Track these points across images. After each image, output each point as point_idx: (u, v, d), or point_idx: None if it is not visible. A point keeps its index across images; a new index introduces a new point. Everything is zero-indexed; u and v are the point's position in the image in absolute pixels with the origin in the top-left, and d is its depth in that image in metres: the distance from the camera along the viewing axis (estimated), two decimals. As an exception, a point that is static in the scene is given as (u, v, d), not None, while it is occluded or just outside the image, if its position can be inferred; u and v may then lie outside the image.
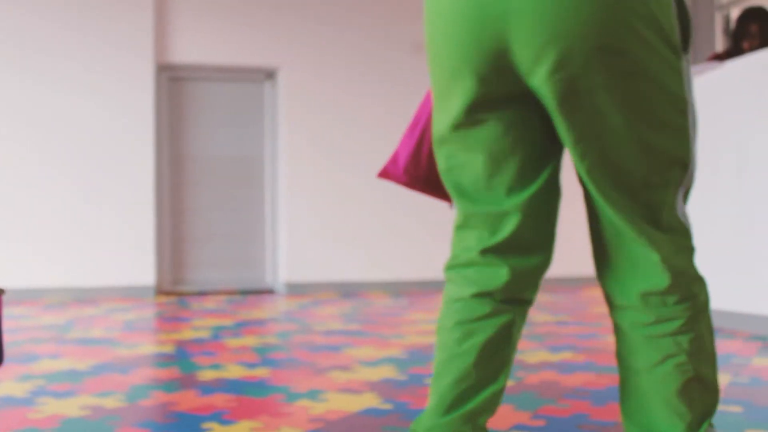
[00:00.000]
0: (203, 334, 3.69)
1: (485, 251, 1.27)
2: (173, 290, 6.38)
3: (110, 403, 2.16)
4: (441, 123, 1.26)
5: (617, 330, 1.28)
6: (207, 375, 2.59)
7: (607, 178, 1.19)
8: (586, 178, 1.21)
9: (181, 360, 2.92)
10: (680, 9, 1.20)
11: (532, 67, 1.13)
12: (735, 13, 7.19)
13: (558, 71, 1.11)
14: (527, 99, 1.21)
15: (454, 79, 1.20)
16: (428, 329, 3.84)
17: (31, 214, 5.95)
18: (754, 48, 4.03)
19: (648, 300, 1.22)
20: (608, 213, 1.22)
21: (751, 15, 4.07)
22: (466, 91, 1.20)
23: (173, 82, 6.50)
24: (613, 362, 2.81)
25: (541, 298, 5.70)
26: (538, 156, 1.25)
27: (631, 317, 1.24)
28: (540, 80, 1.14)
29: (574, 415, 1.98)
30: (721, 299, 3.78)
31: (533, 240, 1.28)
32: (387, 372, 2.63)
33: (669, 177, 1.20)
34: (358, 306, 5.16)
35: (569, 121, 1.16)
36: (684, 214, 1.26)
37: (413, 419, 1.94)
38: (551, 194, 1.27)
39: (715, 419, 1.93)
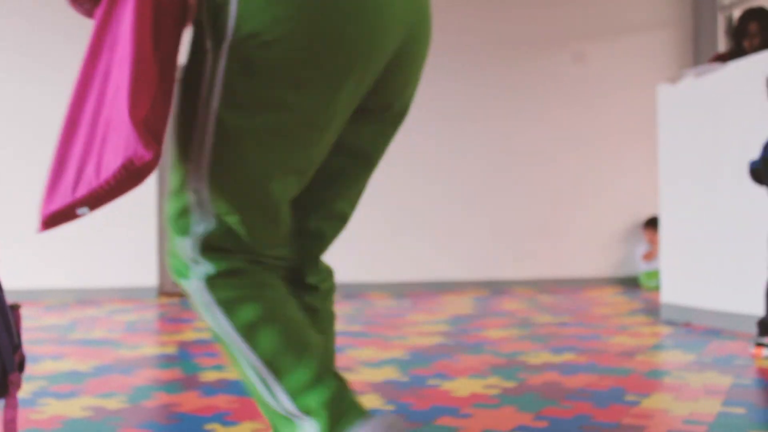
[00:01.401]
0: (206, 336, 3.68)
1: None
2: (176, 291, 6.38)
3: (112, 404, 2.16)
4: None
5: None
6: (209, 376, 2.59)
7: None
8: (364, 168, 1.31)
9: (183, 361, 2.92)
10: None
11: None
12: (737, 14, 7.18)
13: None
14: None
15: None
16: (431, 330, 3.84)
17: (34, 214, 5.96)
18: (754, 47, 4.03)
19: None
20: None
21: (751, 14, 4.09)
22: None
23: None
24: (615, 363, 2.81)
25: (543, 299, 5.70)
26: None
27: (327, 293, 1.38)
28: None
29: (577, 416, 1.98)
30: (723, 300, 3.77)
31: None
32: (389, 373, 2.63)
33: None
34: (360, 307, 5.16)
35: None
36: None
37: (415, 421, 1.94)
38: None
39: (719, 420, 1.93)
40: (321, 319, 1.33)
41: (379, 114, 1.24)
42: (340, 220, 1.34)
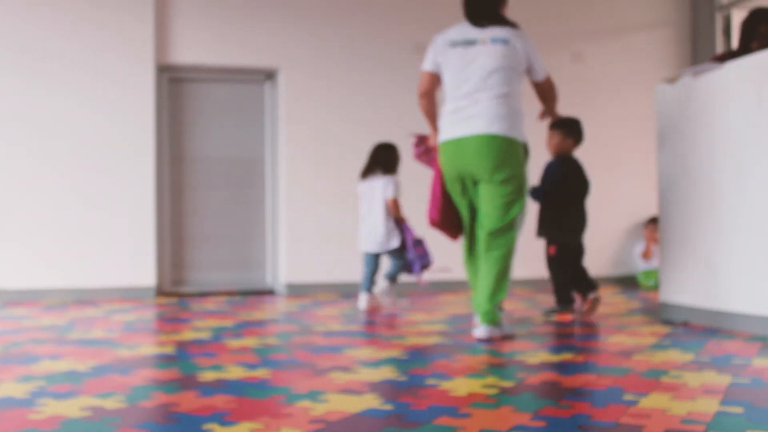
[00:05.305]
0: (204, 335, 3.69)
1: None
2: (173, 291, 6.38)
3: (111, 404, 2.16)
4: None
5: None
6: (207, 376, 2.59)
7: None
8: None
9: (181, 361, 2.92)
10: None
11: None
12: (735, 14, 7.19)
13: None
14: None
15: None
16: (428, 330, 3.84)
17: (32, 215, 5.95)
18: (763, 48, 4.00)
19: None
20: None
21: (761, 15, 4.02)
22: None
23: (173, 83, 6.50)
24: (613, 362, 2.81)
25: (541, 298, 5.70)
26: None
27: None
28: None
29: (575, 415, 1.98)
30: (721, 299, 3.78)
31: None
32: (387, 373, 2.63)
33: None
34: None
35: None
36: None
37: (414, 420, 1.94)
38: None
39: (717, 419, 1.93)
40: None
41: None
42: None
